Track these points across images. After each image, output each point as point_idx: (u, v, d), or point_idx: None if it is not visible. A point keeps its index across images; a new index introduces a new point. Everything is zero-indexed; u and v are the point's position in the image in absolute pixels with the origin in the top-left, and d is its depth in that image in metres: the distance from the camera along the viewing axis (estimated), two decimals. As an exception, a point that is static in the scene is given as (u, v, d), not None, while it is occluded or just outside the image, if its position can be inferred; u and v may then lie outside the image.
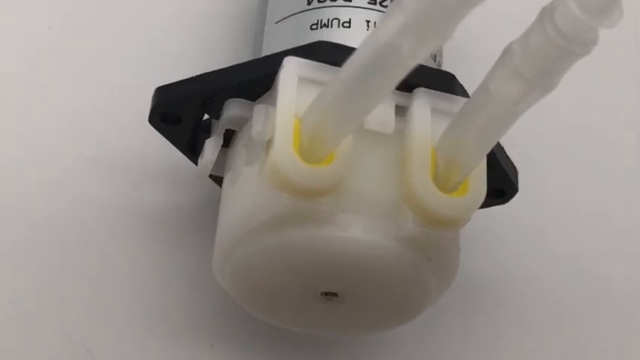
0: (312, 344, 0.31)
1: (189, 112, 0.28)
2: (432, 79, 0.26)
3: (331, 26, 0.28)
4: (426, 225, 0.25)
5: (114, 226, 0.32)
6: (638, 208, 0.36)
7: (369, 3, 0.29)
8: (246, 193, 0.26)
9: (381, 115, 0.26)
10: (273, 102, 0.25)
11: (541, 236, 0.35)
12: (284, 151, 0.24)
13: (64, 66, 0.35)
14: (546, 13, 0.21)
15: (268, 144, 0.25)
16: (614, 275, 0.35)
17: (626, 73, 0.39)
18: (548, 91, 0.22)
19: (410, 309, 0.27)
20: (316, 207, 0.24)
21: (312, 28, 0.28)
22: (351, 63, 0.22)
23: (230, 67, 0.27)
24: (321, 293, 0.27)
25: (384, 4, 0.29)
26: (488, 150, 0.24)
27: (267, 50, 0.29)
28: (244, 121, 0.27)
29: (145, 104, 0.28)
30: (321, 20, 0.28)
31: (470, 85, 0.26)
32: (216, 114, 0.27)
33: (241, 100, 0.27)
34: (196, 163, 0.29)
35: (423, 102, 0.26)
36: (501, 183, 0.29)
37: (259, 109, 0.26)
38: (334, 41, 0.27)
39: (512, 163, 0.29)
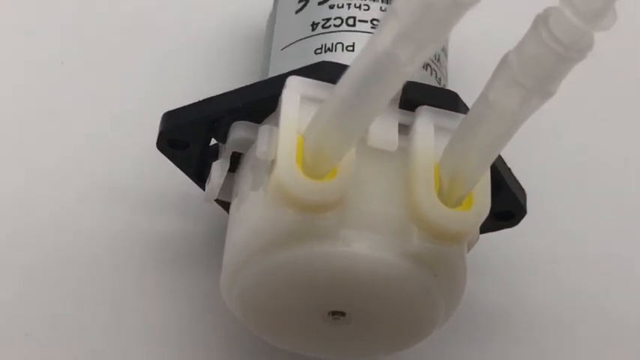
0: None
1: (196, 137, 0.28)
2: (436, 97, 0.27)
3: (335, 50, 0.29)
4: (432, 240, 0.25)
5: (126, 254, 0.32)
6: None
7: (372, 28, 0.29)
8: (252, 214, 0.26)
9: (385, 133, 0.26)
10: (277, 122, 0.25)
11: (554, 266, 0.35)
12: (287, 166, 0.24)
13: (76, 97, 0.35)
14: (540, 21, 0.21)
15: (272, 164, 0.25)
16: (626, 308, 0.34)
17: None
18: (547, 98, 0.22)
19: (419, 328, 0.27)
20: (320, 222, 0.24)
21: (316, 53, 0.29)
22: (349, 75, 0.23)
23: (235, 90, 0.27)
24: (329, 313, 0.27)
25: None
26: (490, 162, 0.24)
27: (273, 75, 0.29)
28: (250, 144, 0.27)
29: (155, 132, 0.29)
30: (325, 44, 0.29)
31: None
32: (224, 138, 0.28)
33: (247, 122, 0.27)
34: (204, 189, 0.29)
35: (426, 119, 0.26)
36: (510, 205, 0.29)
37: (264, 129, 0.26)
38: (338, 62, 0.27)
39: (520, 185, 0.29)
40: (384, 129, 0.26)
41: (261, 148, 0.26)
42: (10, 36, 0.37)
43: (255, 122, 0.27)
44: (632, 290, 0.35)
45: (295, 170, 0.24)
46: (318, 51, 0.29)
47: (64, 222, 0.33)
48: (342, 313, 0.27)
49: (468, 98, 0.26)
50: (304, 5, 0.30)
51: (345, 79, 0.23)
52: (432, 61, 0.30)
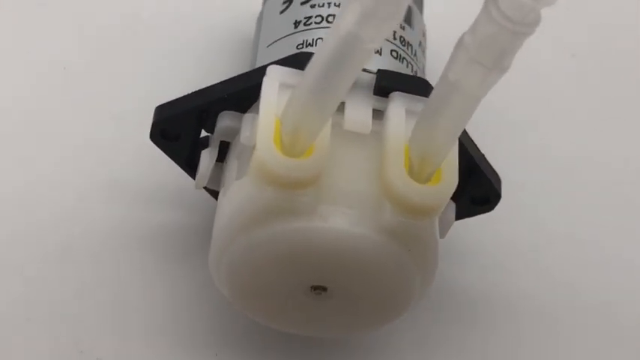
0: (318, 355, 0.33)
1: (186, 127, 0.30)
2: (407, 84, 0.28)
3: (315, 45, 0.31)
4: (404, 214, 0.26)
5: (126, 246, 0.34)
6: (633, 221, 0.38)
7: (351, 24, 0.31)
8: (235, 195, 0.28)
9: (360, 117, 0.28)
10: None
11: (534, 253, 0.36)
12: (266, 146, 0.26)
13: (76, 98, 0.38)
14: (491, 2, 0.23)
15: (254, 149, 0.27)
16: (606, 294, 0.36)
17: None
18: (503, 72, 0.23)
19: (396, 303, 0.29)
20: (298, 199, 0.26)
21: (298, 48, 0.31)
22: (317, 58, 0.24)
23: (221, 82, 0.29)
24: (310, 288, 0.28)
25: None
26: (455, 138, 0.26)
27: (258, 69, 0.31)
28: (236, 132, 0.29)
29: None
30: (307, 40, 0.31)
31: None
32: (212, 128, 0.30)
33: (233, 112, 0.29)
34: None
35: (398, 104, 0.28)
36: (485, 191, 0.31)
37: (247, 117, 0.28)
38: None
39: (494, 170, 0.31)
40: (359, 113, 0.28)
41: (244, 133, 0.28)
42: (11, 37, 0.39)
43: (241, 112, 0.29)
44: (611, 277, 0.36)
45: (274, 150, 0.26)
46: (300, 46, 0.31)
47: (64, 220, 0.34)
48: (324, 288, 0.28)
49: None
50: (288, 6, 0.33)
51: (314, 62, 0.24)
52: (408, 54, 0.32)
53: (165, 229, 0.35)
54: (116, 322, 0.33)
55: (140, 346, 0.33)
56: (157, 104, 0.30)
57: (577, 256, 0.36)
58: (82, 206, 0.35)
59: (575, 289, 0.36)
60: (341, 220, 0.26)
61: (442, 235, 0.30)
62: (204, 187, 0.31)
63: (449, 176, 0.27)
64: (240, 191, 0.27)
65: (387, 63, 0.31)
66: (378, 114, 0.28)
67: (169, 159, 0.31)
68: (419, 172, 0.26)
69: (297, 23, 0.32)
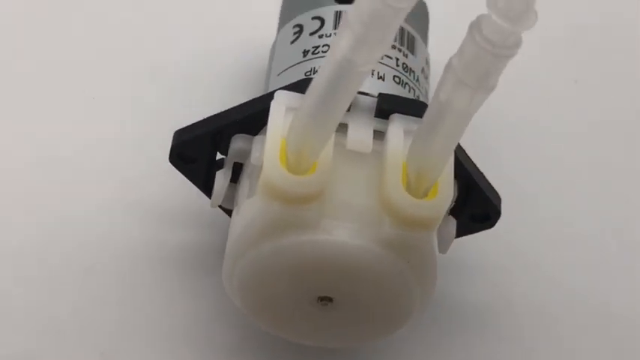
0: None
1: (202, 150, 0.32)
2: (406, 106, 0.30)
3: (323, 72, 0.33)
4: (403, 228, 0.28)
5: (148, 263, 0.36)
6: (633, 222, 0.39)
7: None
8: (246, 212, 0.29)
9: (361, 137, 0.30)
10: None
11: (539, 262, 0.38)
12: (272, 164, 0.28)
13: (100, 124, 0.40)
14: (474, 27, 0.24)
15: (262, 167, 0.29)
16: (611, 300, 0.37)
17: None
18: (490, 91, 0.25)
19: (398, 314, 0.30)
20: (303, 213, 0.28)
21: (306, 74, 0.33)
22: (316, 82, 0.26)
23: (234, 107, 0.31)
24: (317, 299, 0.30)
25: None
26: (449, 154, 0.28)
27: (270, 96, 0.33)
28: (248, 154, 0.31)
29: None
30: (314, 68, 0.33)
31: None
32: (226, 150, 0.32)
33: (245, 135, 0.31)
34: (212, 199, 0.33)
35: (397, 125, 0.30)
36: (485, 207, 0.33)
37: (258, 139, 0.30)
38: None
39: (493, 187, 0.33)
40: (360, 134, 0.30)
41: (254, 154, 0.30)
42: (46, 71, 0.42)
43: (253, 135, 0.31)
44: (616, 283, 0.38)
45: (280, 167, 0.28)
46: (308, 73, 0.33)
47: (84, 235, 0.37)
48: (330, 299, 0.30)
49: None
50: (298, 36, 0.35)
51: (313, 87, 0.26)
52: (410, 80, 0.34)
53: (185, 245, 0.37)
54: (138, 334, 0.35)
55: (162, 357, 0.35)
56: (175, 124, 0.33)
57: (577, 257, 0.38)
58: (106, 222, 0.37)
59: (578, 292, 0.37)
60: (343, 232, 0.28)
61: (444, 250, 0.32)
62: (220, 206, 0.33)
63: (444, 191, 0.28)
64: (250, 208, 0.29)
65: (390, 88, 0.33)
66: (379, 135, 0.30)
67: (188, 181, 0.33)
68: (416, 187, 0.28)
69: (305, 52, 0.34)
